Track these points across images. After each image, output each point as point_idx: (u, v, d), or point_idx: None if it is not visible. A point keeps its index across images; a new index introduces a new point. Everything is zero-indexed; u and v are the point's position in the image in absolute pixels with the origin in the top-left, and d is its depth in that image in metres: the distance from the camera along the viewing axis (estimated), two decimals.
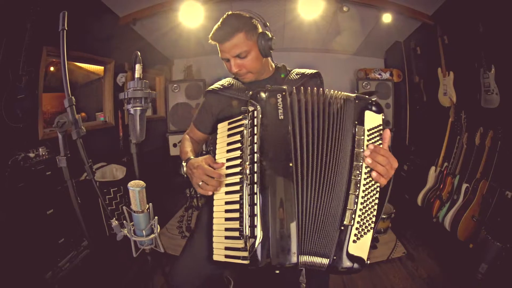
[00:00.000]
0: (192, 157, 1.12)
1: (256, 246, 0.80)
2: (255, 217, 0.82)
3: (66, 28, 0.96)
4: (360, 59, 4.25)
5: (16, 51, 1.99)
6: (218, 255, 0.98)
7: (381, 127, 0.92)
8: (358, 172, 0.87)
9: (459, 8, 2.50)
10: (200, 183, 1.01)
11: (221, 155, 1.08)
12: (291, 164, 0.86)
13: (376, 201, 0.87)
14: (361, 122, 0.91)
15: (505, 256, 1.94)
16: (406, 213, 2.94)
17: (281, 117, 0.91)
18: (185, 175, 1.12)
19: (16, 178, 1.85)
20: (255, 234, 0.81)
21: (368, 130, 0.91)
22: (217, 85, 1.32)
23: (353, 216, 0.86)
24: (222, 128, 1.13)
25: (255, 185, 0.84)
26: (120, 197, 2.70)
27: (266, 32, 1.20)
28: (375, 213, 0.87)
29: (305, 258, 0.84)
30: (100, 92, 3.35)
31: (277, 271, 0.82)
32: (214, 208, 1.04)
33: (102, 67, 3.14)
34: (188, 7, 2.87)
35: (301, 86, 0.98)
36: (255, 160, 0.87)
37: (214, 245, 1.00)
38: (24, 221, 1.81)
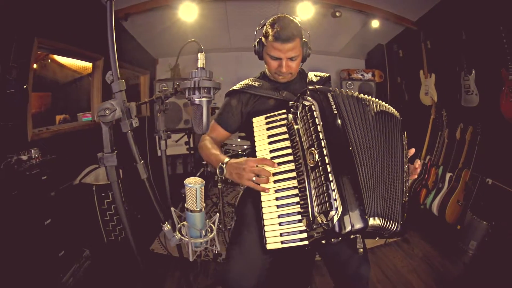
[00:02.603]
0: (227, 158, 1.11)
1: (336, 218, 0.85)
2: (333, 192, 0.86)
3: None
4: (341, 60, 4.34)
5: (6, 40, 1.70)
6: (273, 243, 0.99)
7: None
8: (405, 160, 1.06)
9: (443, 17, 2.66)
10: (254, 178, 1.01)
11: (263, 146, 1.10)
12: (350, 148, 0.94)
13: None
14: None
15: (491, 233, 2.13)
16: None
17: (335, 111, 0.99)
18: (223, 177, 1.12)
19: (10, 184, 1.57)
20: (335, 208, 0.86)
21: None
22: (241, 85, 1.35)
23: (406, 194, 1.02)
24: (259, 122, 1.16)
25: (328, 166, 0.89)
26: (112, 195, 2.44)
27: (307, 41, 1.30)
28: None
29: (377, 221, 0.93)
30: (82, 92, 3.03)
31: (352, 236, 0.90)
32: (262, 198, 1.04)
33: (90, 64, 2.84)
34: (183, 5, 2.73)
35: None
36: (323, 145, 0.91)
37: (267, 234, 1.00)
38: (21, 234, 1.55)
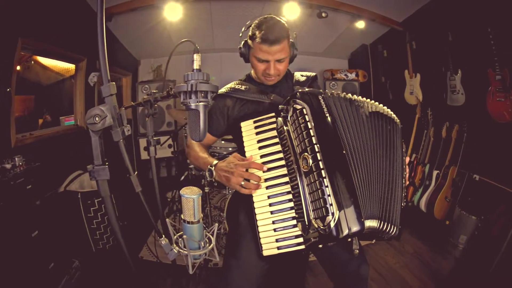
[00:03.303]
0: (216, 161, 1.09)
1: (333, 223, 0.84)
2: (328, 197, 0.85)
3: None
4: (324, 60, 4.32)
5: None
6: (270, 249, 0.97)
7: None
8: (405, 166, 1.05)
9: (429, 18, 2.69)
10: (243, 182, 0.99)
11: (253, 152, 1.07)
12: (344, 152, 0.92)
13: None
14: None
15: (481, 227, 2.17)
16: None
17: (326, 114, 0.96)
18: (213, 180, 1.07)
19: None
20: (331, 212, 0.84)
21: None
22: (227, 89, 1.30)
23: (404, 200, 1.01)
24: (247, 126, 1.12)
25: (323, 171, 0.87)
26: (105, 208, 2.32)
27: (294, 42, 1.25)
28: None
29: (374, 223, 0.91)
30: (64, 95, 2.87)
31: (349, 239, 0.89)
32: (256, 205, 1.01)
33: (73, 66, 2.69)
34: (168, 5, 2.64)
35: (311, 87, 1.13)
36: (317, 150, 0.89)
37: (262, 240, 0.98)
38: (9, 248, 1.44)
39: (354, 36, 3.50)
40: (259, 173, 1.03)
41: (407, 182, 1.09)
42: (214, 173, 1.06)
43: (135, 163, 3.09)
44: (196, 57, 0.85)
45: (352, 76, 3.84)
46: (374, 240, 1.02)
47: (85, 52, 2.63)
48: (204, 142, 1.32)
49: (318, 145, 0.90)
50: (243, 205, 1.17)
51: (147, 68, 4.04)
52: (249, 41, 1.20)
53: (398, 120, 1.11)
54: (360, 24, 3.01)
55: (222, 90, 1.30)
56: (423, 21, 2.79)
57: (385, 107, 1.10)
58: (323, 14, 2.87)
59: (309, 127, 0.92)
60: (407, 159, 1.10)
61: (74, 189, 2.27)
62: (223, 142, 2.59)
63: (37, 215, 1.71)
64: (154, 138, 1.26)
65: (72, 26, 2.32)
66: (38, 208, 1.73)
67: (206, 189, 2.29)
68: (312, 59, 4.29)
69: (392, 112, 1.11)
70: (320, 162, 0.88)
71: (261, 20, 1.17)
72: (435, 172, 2.64)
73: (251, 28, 1.19)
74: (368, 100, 1.08)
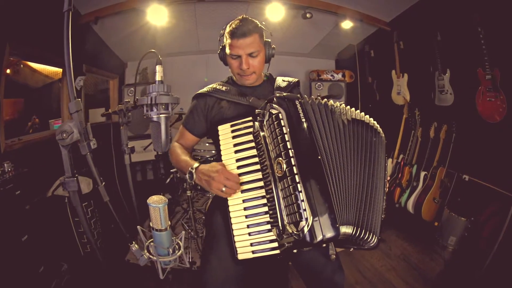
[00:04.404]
0: (197, 164, 1.10)
1: (307, 228, 0.85)
2: (302, 203, 0.86)
3: (72, 9, 0.76)
4: (311, 61, 4.35)
5: None
6: (244, 253, 0.99)
7: None
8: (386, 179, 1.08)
9: (418, 18, 2.71)
10: (224, 188, 1.00)
11: (229, 155, 1.09)
12: (319, 157, 0.93)
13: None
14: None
15: (471, 228, 2.19)
16: None
17: (303, 119, 0.98)
18: (193, 182, 1.09)
19: None
20: (304, 218, 0.85)
21: None
22: (208, 88, 1.33)
23: (384, 212, 1.04)
24: (224, 130, 1.14)
25: (297, 176, 0.88)
26: (91, 211, 2.36)
27: (270, 41, 1.30)
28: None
29: (349, 230, 0.92)
30: (53, 98, 2.90)
31: (324, 245, 0.90)
32: (230, 209, 1.03)
33: (60, 70, 2.72)
34: (152, 8, 2.67)
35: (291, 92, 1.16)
36: (291, 155, 0.90)
37: (237, 244, 1.00)
38: (1, 253, 1.49)
39: (341, 37, 3.53)
40: (235, 171, 1.05)
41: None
42: (194, 176, 1.07)
43: (114, 167, 3.10)
44: (159, 68, 0.88)
45: (338, 76, 3.85)
46: (351, 248, 1.03)
47: (72, 56, 2.66)
48: (187, 143, 1.35)
49: (292, 150, 0.91)
50: (221, 209, 1.20)
51: (134, 71, 4.08)
52: (224, 42, 1.25)
53: (383, 134, 1.13)
54: (347, 24, 3.03)
55: (203, 90, 1.33)
56: (411, 21, 2.81)
57: (371, 119, 1.13)
58: (308, 15, 2.90)
59: (284, 132, 0.93)
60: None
61: (62, 194, 2.31)
62: (207, 144, 2.62)
63: (27, 220, 1.75)
64: (129, 147, 1.33)
65: (58, 31, 2.35)
66: (27, 213, 1.78)
67: (188, 193, 2.31)
68: (298, 59, 4.33)
69: (378, 125, 1.13)
70: (294, 167, 0.89)
71: (232, 21, 1.22)
72: (422, 173, 2.67)
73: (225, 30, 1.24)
74: (353, 109, 1.10)
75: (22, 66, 2.59)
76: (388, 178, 1.10)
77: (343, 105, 1.10)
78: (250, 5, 2.94)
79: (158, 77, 0.88)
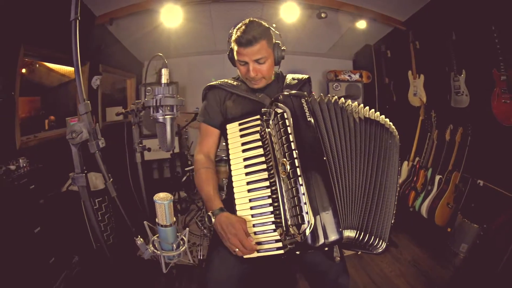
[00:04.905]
0: (219, 207, 1.07)
1: (308, 231, 0.84)
2: (304, 205, 0.85)
3: (79, 18, 0.82)
4: (328, 61, 4.33)
5: None
6: None
7: None
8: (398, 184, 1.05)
9: (433, 17, 2.66)
10: (236, 249, 0.98)
11: (236, 154, 1.11)
12: (324, 158, 0.92)
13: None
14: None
15: (483, 235, 2.13)
16: None
17: (309, 118, 0.97)
18: (210, 224, 1.08)
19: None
20: (306, 221, 0.84)
21: None
22: (219, 82, 1.33)
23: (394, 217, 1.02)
24: (232, 129, 1.17)
25: (300, 178, 0.87)
26: (105, 207, 2.48)
27: (279, 42, 1.25)
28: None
29: (352, 234, 0.92)
30: (70, 96, 3.04)
31: (326, 249, 0.88)
32: (237, 208, 1.05)
33: None
34: (167, 9, 2.75)
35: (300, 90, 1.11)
36: (295, 156, 0.90)
37: None
38: (12, 244, 1.58)
39: (357, 36, 3.52)
40: (240, 171, 1.07)
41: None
42: (213, 221, 1.05)
43: (128, 165, 3.22)
44: (164, 71, 0.93)
45: (355, 77, 3.82)
46: (359, 252, 1.02)
47: (87, 56, 2.79)
48: (210, 142, 1.32)
49: (296, 151, 0.90)
50: (228, 208, 1.21)
51: (151, 70, 4.19)
52: (232, 45, 1.23)
53: (398, 136, 1.10)
54: (362, 24, 3.01)
55: (215, 82, 1.33)
56: (427, 20, 2.76)
57: (386, 119, 1.10)
58: (323, 15, 2.90)
59: (289, 131, 0.93)
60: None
61: (76, 189, 2.43)
62: (223, 144, 2.68)
63: (40, 213, 1.84)
64: (141, 145, 1.39)
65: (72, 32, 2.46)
66: (41, 206, 1.87)
67: None
68: (315, 59, 4.33)
69: (393, 126, 1.10)
70: (298, 169, 0.88)
71: (239, 24, 1.20)
72: (437, 177, 2.62)
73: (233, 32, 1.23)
74: (366, 108, 1.08)
75: (37, 65, 2.73)
76: (400, 181, 1.09)
77: (356, 103, 1.08)
78: (265, 5, 2.97)
79: (164, 80, 0.92)
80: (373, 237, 0.94)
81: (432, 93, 2.83)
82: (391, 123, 1.10)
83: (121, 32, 3.20)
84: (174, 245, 1.04)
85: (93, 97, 3.01)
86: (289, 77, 1.38)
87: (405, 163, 3.03)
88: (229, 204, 1.09)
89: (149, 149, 3.81)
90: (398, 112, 3.30)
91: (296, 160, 0.89)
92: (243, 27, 1.17)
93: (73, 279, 1.98)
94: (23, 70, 2.24)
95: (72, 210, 2.32)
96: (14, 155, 1.83)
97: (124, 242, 2.48)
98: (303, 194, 0.86)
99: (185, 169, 2.87)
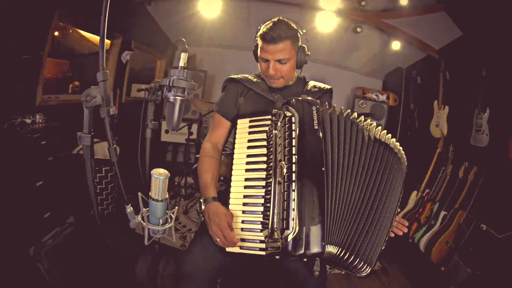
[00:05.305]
0: (212, 196, 1.11)
1: (291, 237, 0.83)
2: (292, 211, 0.85)
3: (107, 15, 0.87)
4: (359, 77, 4.33)
5: (30, 9, 1.85)
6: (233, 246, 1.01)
7: None
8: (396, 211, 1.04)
9: (466, 50, 2.62)
10: (217, 239, 1.02)
11: (241, 150, 1.13)
12: (323, 169, 0.91)
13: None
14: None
15: (473, 282, 2.06)
16: None
17: (316, 127, 0.96)
18: (200, 211, 1.12)
19: (10, 144, 1.71)
20: (291, 227, 0.84)
21: None
22: (239, 76, 1.35)
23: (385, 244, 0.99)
24: (243, 124, 1.20)
25: (293, 183, 0.87)
26: (111, 176, 2.58)
27: (305, 46, 1.26)
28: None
29: (333, 250, 0.90)
30: (98, 66, 3.18)
31: (305, 259, 0.87)
32: (231, 201, 1.07)
33: (109, 41, 2.99)
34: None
35: (319, 99, 1.09)
36: (294, 161, 0.90)
37: None
38: (12, 191, 1.67)
39: (390, 57, 3.50)
40: (241, 166, 1.10)
41: (399, 232, 1.09)
42: (203, 208, 1.10)
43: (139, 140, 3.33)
44: (183, 55, 0.98)
45: (383, 98, 3.80)
46: (343, 271, 1.00)
47: (121, 31, 2.92)
48: (220, 133, 1.34)
49: (296, 156, 0.90)
50: (221, 200, 1.24)
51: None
52: (257, 40, 1.25)
53: (405, 163, 1.09)
54: (396, 45, 2.99)
55: (235, 76, 1.36)
56: (460, 52, 2.73)
57: (397, 143, 1.08)
58: (358, 29, 2.92)
59: (293, 136, 0.93)
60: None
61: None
62: None
63: (46, 169, 1.92)
64: (153, 122, 1.46)
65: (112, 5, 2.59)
66: (49, 163, 1.96)
67: None
68: (347, 74, 4.34)
69: (403, 152, 1.09)
70: (293, 174, 0.88)
71: (268, 21, 1.22)
72: (442, 213, 2.56)
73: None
74: (379, 128, 1.07)
75: (71, 31, 2.86)
76: (406, 210, 1.08)
77: (369, 121, 1.07)
78: (303, 10, 3.00)
79: (181, 63, 0.97)
80: (358, 259, 0.92)
81: (454, 127, 2.77)
82: (401, 148, 1.09)
83: (158, 13, 3.32)
84: (161, 221, 1.09)
85: (120, 70, 3.14)
86: (311, 83, 1.38)
87: (414, 192, 2.98)
88: (225, 196, 1.11)
89: (166, 131, 3.94)
90: (417, 141, 3.26)
91: (293, 165, 0.90)
92: (271, 24, 1.19)
93: (63, 237, 2.02)
94: (56, 33, 2.37)
95: (78, 173, 2.44)
96: (32, 110, 1.93)
97: (123, 213, 2.57)
98: (293, 200, 0.86)
99: (196, 156, 2.95)
